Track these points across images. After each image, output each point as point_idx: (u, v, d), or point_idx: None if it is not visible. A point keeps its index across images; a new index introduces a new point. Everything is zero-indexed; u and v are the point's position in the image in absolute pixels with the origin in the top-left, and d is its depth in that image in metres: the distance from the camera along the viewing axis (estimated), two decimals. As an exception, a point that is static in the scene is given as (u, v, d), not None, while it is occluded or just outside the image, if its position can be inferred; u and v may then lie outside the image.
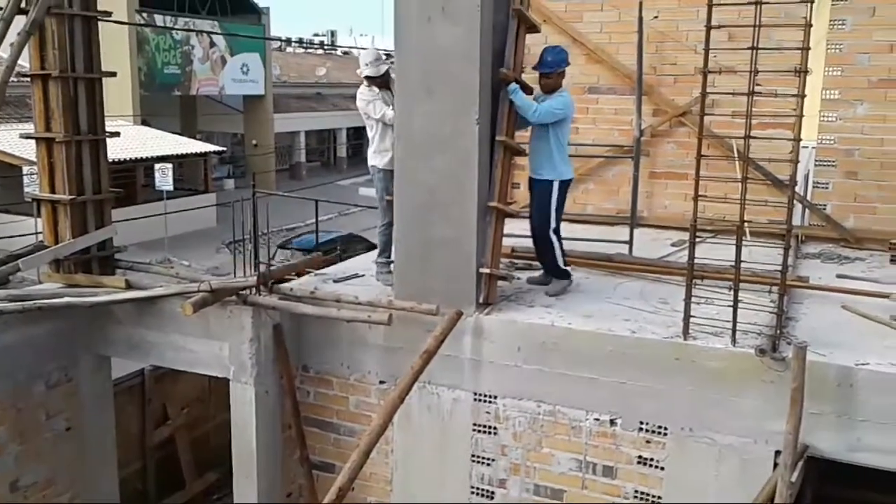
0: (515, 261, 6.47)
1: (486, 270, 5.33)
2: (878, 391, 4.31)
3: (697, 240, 4.90)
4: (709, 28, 4.63)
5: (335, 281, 6.24)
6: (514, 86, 5.38)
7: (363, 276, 6.36)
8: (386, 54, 6.65)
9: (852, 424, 4.37)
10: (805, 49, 4.52)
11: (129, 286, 5.88)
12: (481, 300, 5.33)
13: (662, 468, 4.84)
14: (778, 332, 4.60)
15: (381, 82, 6.09)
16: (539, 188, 5.75)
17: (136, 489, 8.01)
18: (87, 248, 6.36)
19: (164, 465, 8.27)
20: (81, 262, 6.35)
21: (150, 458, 8.16)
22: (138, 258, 7.52)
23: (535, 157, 5.75)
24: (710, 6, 4.61)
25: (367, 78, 6.08)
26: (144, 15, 29.26)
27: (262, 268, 6.85)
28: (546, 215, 5.69)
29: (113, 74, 6.69)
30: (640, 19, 7.61)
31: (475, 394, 5.28)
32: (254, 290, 5.48)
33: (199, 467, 8.54)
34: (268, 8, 34.99)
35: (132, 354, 6.04)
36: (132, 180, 23.48)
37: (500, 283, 5.55)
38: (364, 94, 6.11)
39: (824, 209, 7.50)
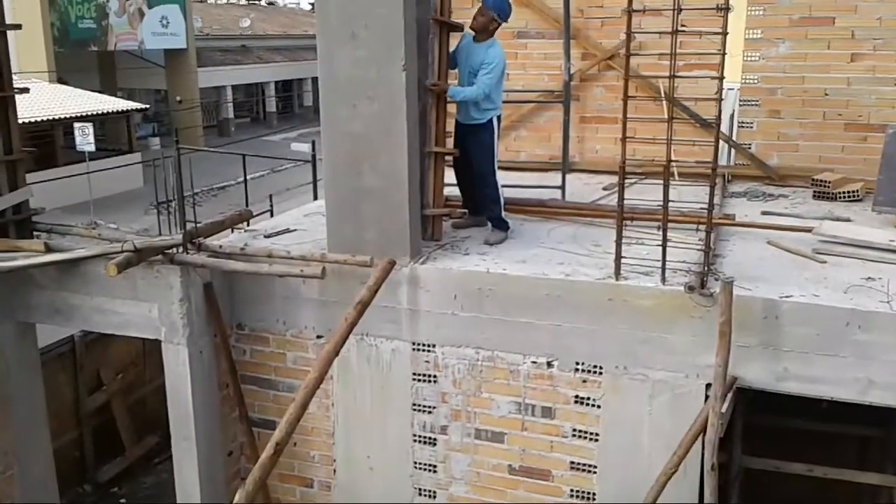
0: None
1: (431, 212, 5.48)
2: (800, 322, 4.45)
3: (627, 182, 4.94)
4: (633, -33, 4.60)
5: (266, 236, 6.11)
6: (451, 90, 5.45)
7: (294, 230, 6.25)
8: None
9: (778, 355, 4.52)
10: (727, -13, 4.53)
11: (49, 249, 5.63)
12: (428, 237, 5.50)
13: (599, 406, 4.94)
14: (706, 269, 4.71)
15: None
16: (480, 128, 5.71)
17: (73, 457, 7.86)
18: (1, 211, 6.07)
19: (102, 432, 8.13)
20: (-5, 227, 6.06)
21: (86, 426, 8.00)
22: (63, 222, 7.21)
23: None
24: (634, -55, 4.57)
25: None
26: (53, -34, 27.78)
27: (189, 226, 6.65)
28: (490, 156, 5.67)
29: (18, 27, 6.30)
30: (567, -39, 7.54)
31: (413, 343, 5.28)
32: (180, 248, 5.33)
33: (137, 432, 8.43)
34: (186, -43, 33.58)
35: (56, 320, 5.81)
36: (51, 141, 22.50)
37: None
38: None
39: (749, 148, 7.65)
